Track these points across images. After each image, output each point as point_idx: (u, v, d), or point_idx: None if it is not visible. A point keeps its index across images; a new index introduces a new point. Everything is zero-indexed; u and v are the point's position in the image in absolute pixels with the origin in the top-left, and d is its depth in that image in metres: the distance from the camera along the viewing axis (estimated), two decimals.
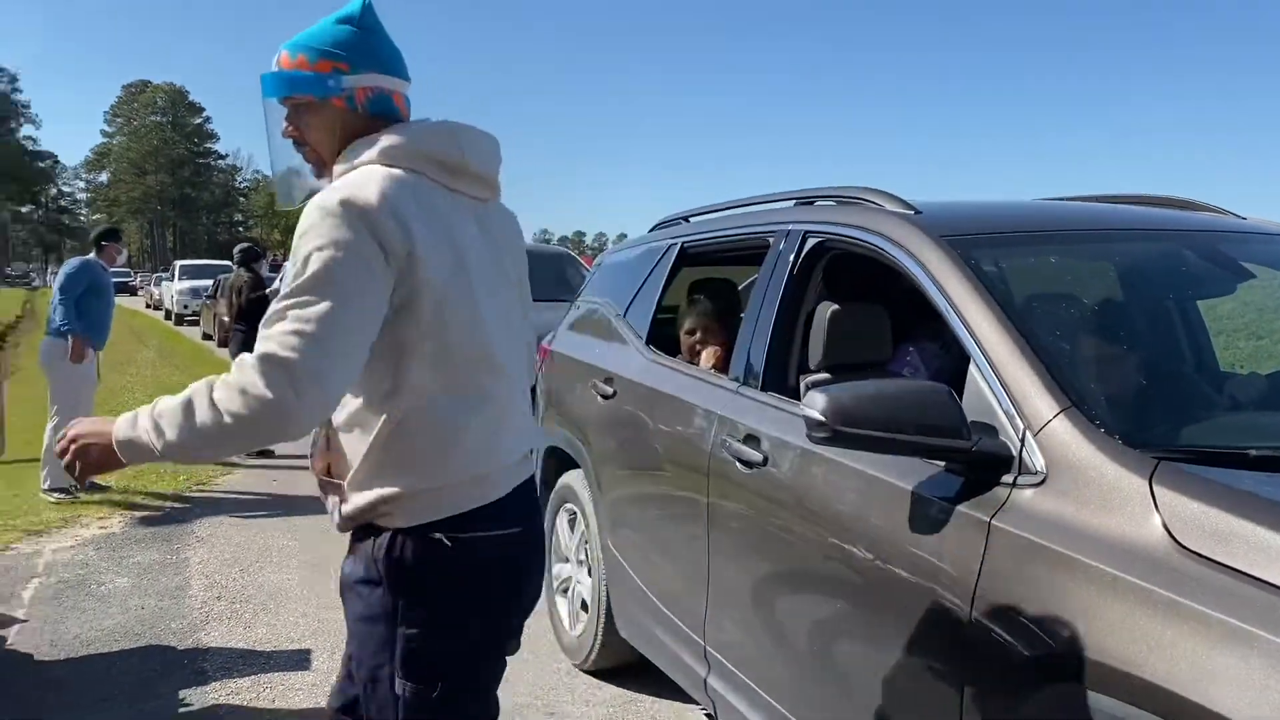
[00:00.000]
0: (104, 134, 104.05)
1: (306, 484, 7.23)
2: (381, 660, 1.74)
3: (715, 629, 2.79)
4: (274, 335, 1.52)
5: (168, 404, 1.57)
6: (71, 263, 6.86)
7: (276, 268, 19.74)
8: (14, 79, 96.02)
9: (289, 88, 1.75)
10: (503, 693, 2.02)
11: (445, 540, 1.70)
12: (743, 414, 2.73)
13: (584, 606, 3.86)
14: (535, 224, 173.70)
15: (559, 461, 4.17)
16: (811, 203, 3.01)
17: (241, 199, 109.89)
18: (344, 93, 1.73)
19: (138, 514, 6.27)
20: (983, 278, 2.18)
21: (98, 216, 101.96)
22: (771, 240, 2.98)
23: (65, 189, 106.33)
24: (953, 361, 2.55)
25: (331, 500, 1.80)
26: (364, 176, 1.64)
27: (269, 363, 1.51)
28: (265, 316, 1.57)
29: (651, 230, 4.18)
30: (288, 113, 1.78)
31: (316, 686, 3.69)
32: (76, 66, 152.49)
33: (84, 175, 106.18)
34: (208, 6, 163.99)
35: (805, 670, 2.37)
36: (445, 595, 1.73)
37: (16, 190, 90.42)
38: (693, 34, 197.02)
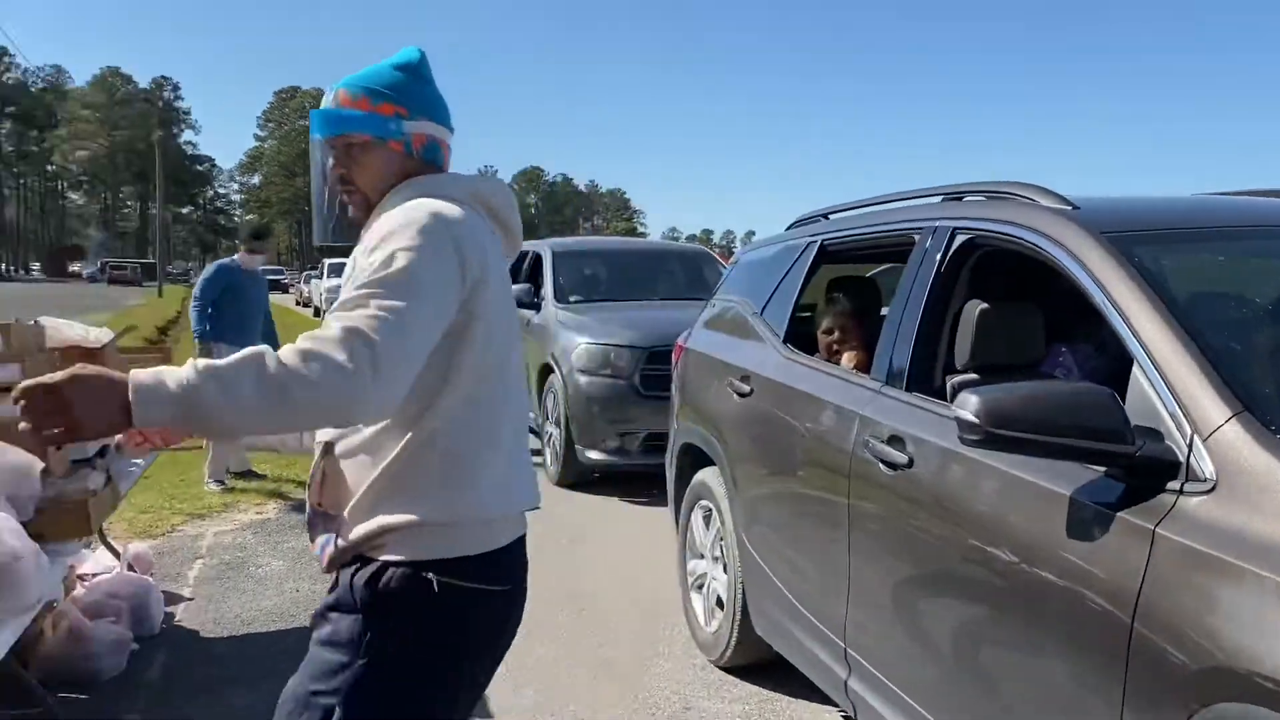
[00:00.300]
0: (257, 138, 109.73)
1: None
2: (326, 685, 1.62)
3: (856, 631, 2.76)
4: (357, 316, 1.45)
5: (214, 361, 1.40)
6: (208, 268, 6.99)
7: None
8: (176, 87, 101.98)
9: (348, 126, 1.74)
10: (637, 686, 2.04)
11: (434, 581, 1.62)
12: (886, 414, 2.69)
13: (719, 603, 3.87)
14: (663, 222, 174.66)
15: (693, 458, 4.19)
16: (960, 198, 2.95)
17: None
18: (403, 137, 1.75)
19: (289, 501, 6.57)
20: (1146, 276, 2.09)
21: (250, 217, 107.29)
22: (917, 237, 2.93)
23: (221, 190, 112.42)
24: (1108, 363, 2.46)
25: (323, 536, 1.71)
26: (442, 203, 1.65)
27: (355, 335, 1.42)
28: (341, 300, 1.51)
29: (789, 228, 4.15)
30: (336, 152, 1.77)
31: None
32: (233, 75, 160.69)
33: (238, 178, 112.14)
34: (355, 13, 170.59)
35: (950, 675, 2.33)
36: (418, 638, 1.63)
37: (177, 192, 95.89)
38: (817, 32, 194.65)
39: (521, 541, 1.78)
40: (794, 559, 3.19)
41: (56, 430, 1.37)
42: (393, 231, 1.57)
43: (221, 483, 6.79)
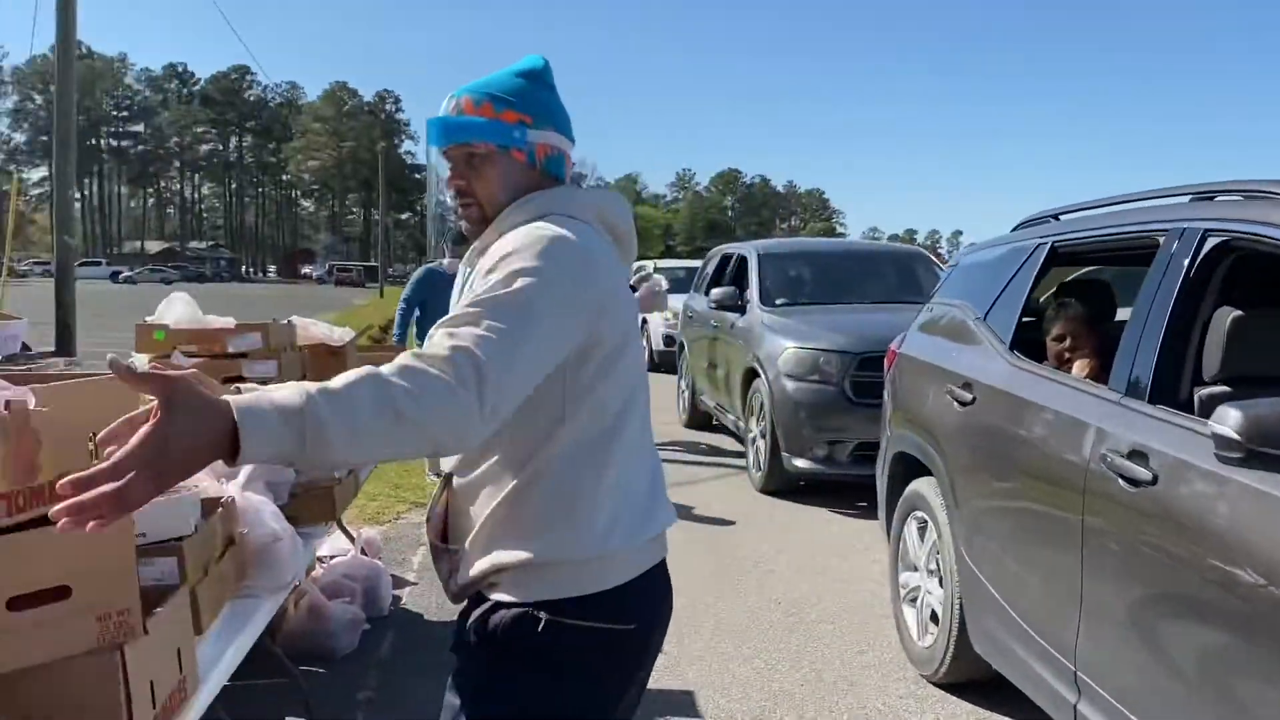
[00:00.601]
0: None
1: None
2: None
3: (1088, 653, 2.62)
4: (466, 334, 1.33)
5: (324, 384, 1.21)
6: (418, 270, 7.02)
7: None
8: (397, 100, 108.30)
9: (470, 134, 1.64)
10: (848, 698, 1.99)
11: (547, 621, 1.52)
12: (1127, 427, 2.53)
13: (933, 618, 3.76)
14: (863, 222, 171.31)
15: (907, 468, 4.09)
16: (1211, 198, 2.75)
17: None
18: (527, 147, 1.64)
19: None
20: None
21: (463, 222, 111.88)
22: (1162, 240, 2.75)
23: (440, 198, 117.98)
24: None
25: (445, 568, 1.65)
26: (567, 224, 1.55)
27: (462, 354, 1.30)
28: (450, 316, 1.40)
29: (1015, 229, 3.99)
30: (455, 162, 1.67)
31: (671, 662, 3.86)
32: (448, 87, 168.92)
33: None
34: (558, 26, 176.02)
35: (1193, 706, 2.17)
36: (532, 681, 1.54)
37: (397, 199, 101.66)
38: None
39: (653, 575, 1.62)
40: (1019, 575, 3.06)
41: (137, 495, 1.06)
42: (514, 251, 1.47)
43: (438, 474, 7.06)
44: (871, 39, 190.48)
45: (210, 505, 2.05)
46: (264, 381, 2.95)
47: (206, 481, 2.21)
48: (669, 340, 13.85)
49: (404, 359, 1.28)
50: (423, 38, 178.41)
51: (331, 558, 4.49)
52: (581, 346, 1.50)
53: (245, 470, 2.34)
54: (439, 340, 1.33)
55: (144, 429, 1.08)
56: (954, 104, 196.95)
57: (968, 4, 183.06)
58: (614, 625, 1.55)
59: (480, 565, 1.56)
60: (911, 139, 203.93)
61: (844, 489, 6.65)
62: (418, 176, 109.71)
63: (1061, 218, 3.64)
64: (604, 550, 1.54)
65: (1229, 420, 1.77)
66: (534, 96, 1.67)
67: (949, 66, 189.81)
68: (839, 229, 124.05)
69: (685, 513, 6.28)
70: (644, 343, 14.11)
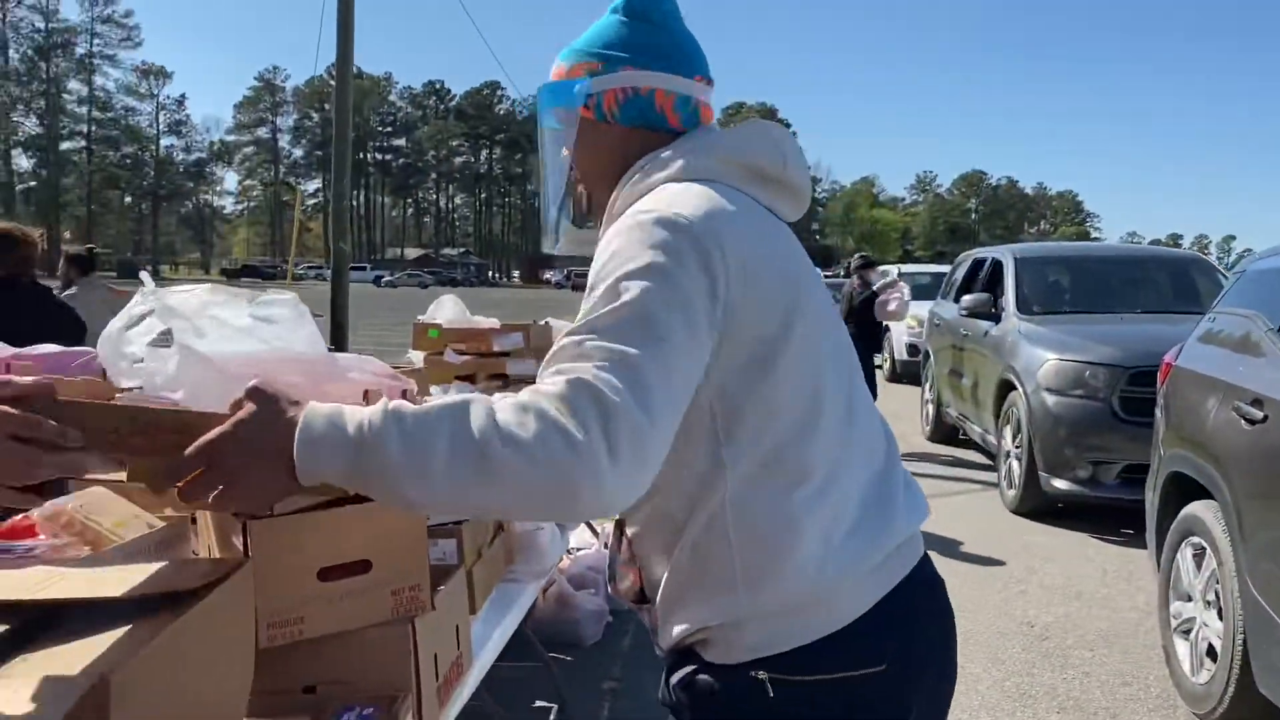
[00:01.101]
0: None
1: None
2: None
3: None
4: (584, 369, 1.03)
5: (405, 404, 1.01)
6: None
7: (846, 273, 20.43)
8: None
9: (546, 101, 1.40)
10: None
11: (769, 684, 1.22)
12: None
13: (1210, 652, 3.45)
14: (1120, 226, 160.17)
15: (1181, 489, 3.78)
16: None
17: (819, 208, 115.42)
18: (589, 98, 1.33)
19: None
20: None
21: None
22: None
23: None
24: None
25: (647, 622, 1.39)
26: (680, 193, 1.23)
27: (584, 392, 1.00)
28: (560, 345, 1.10)
29: None
30: (552, 137, 1.45)
31: None
32: None
33: None
34: (787, 28, 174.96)
35: None
36: None
37: None
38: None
39: (902, 596, 1.27)
40: None
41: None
42: (614, 253, 1.16)
43: None
44: (1124, 30, 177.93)
45: None
46: (527, 380, 3.11)
47: None
48: (913, 350, 13.47)
49: (521, 394, 1.02)
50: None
51: (578, 550, 4.65)
52: (726, 346, 1.17)
53: None
54: (548, 378, 1.04)
55: (217, 429, 0.98)
56: (1223, 101, 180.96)
57: None
58: (857, 671, 1.22)
59: (680, 627, 1.28)
60: (1174, 137, 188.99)
61: (1107, 514, 6.16)
62: None
63: None
64: (817, 585, 1.20)
65: None
66: (609, 35, 1.35)
67: (1208, 59, 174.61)
68: (1094, 234, 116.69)
69: (931, 529, 6.08)
70: (884, 347, 13.84)
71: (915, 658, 1.27)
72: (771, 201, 1.33)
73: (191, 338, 1.51)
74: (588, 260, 1.24)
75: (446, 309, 3.37)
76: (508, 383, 3.08)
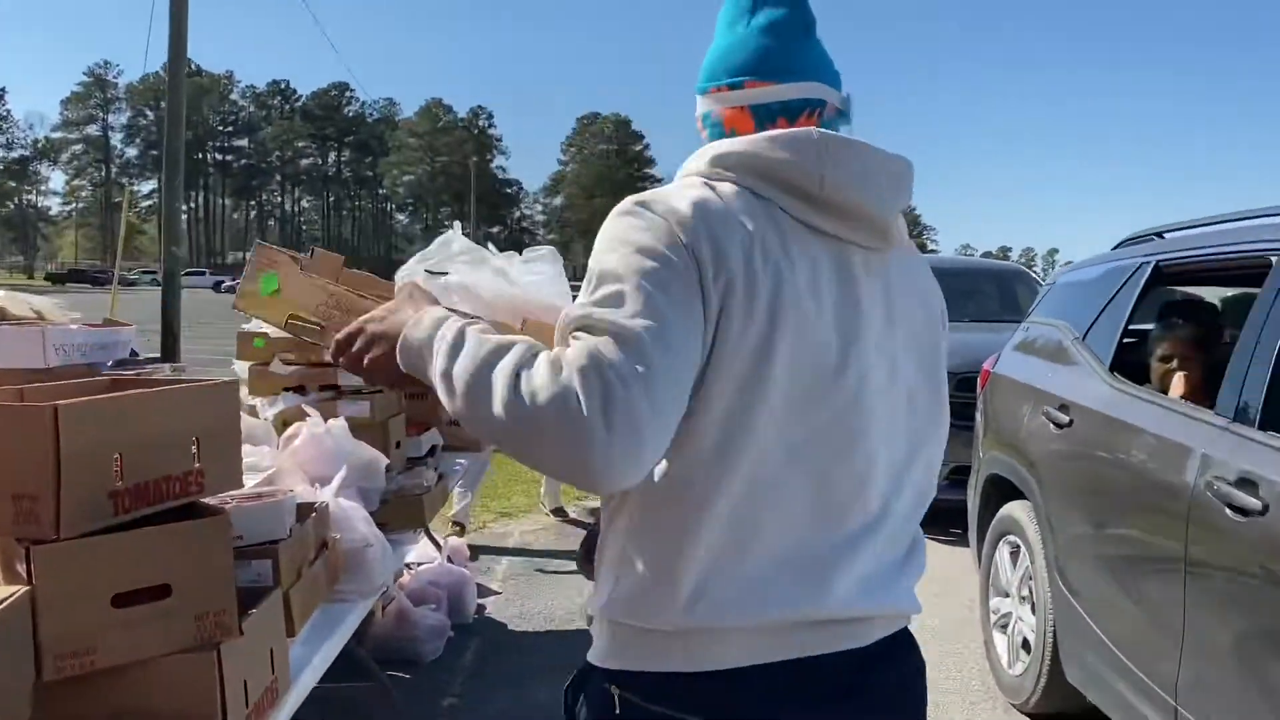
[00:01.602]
0: (560, 162, 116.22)
1: None
2: None
3: (1190, 689, 2.51)
4: (596, 343, 1.05)
5: (480, 337, 1.11)
6: None
7: None
8: (490, 115, 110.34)
9: None
10: None
11: (617, 700, 1.20)
12: (1235, 454, 2.43)
13: (1025, 645, 3.65)
14: (956, 239, 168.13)
15: (1000, 491, 3.99)
16: None
17: None
18: (699, 122, 1.35)
19: (589, 503, 6.87)
20: None
21: (552, 236, 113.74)
22: (1275, 259, 2.64)
23: (526, 211, 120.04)
24: None
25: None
26: (679, 184, 1.22)
27: (596, 368, 1.03)
28: (569, 321, 1.12)
29: (1116, 248, 3.87)
30: None
31: None
32: (538, 102, 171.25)
33: (541, 200, 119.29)
34: (649, 43, 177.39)
35: None
36: None
37: (489, 213, 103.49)
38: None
39: (811, 672, 1.18)
40: (1117, 605, 2.95)
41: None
42: (601, 245, 1.16)
43: (560, 512, 6.63)
44: (956, 42, 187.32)
45: (305, 510, 2.10)
46: (359, 392, 3.03)
47: (301, 488, 2.27)
48: None
49: (552, 354, 1.07)
50: (515, 53, 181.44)
51: (419, 565, 4.57)
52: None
53: (339, 477, 2.39)
54: (569, 348, 1.07)
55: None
56: (1053, 117, 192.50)
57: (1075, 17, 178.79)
58: (683, 715, 1.16)
59: (597, 599, 1.24)
60: (1006, 154, 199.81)
61: (937, 515, 6.35)
62: (508, 191, 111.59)
63: (1166, 236, 3.52)
64: (685, 620, 1.14)
65: None
66: (708, 55, 1.34)
67: (1042, 74, 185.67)
68: (930, 246, 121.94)
69: None
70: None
71: None
72: (818, 221, 1.20)
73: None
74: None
75: None
76: (339, 393, 2.98)
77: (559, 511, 6.65)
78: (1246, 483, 2.33)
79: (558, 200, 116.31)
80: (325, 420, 2.55)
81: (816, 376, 1.17)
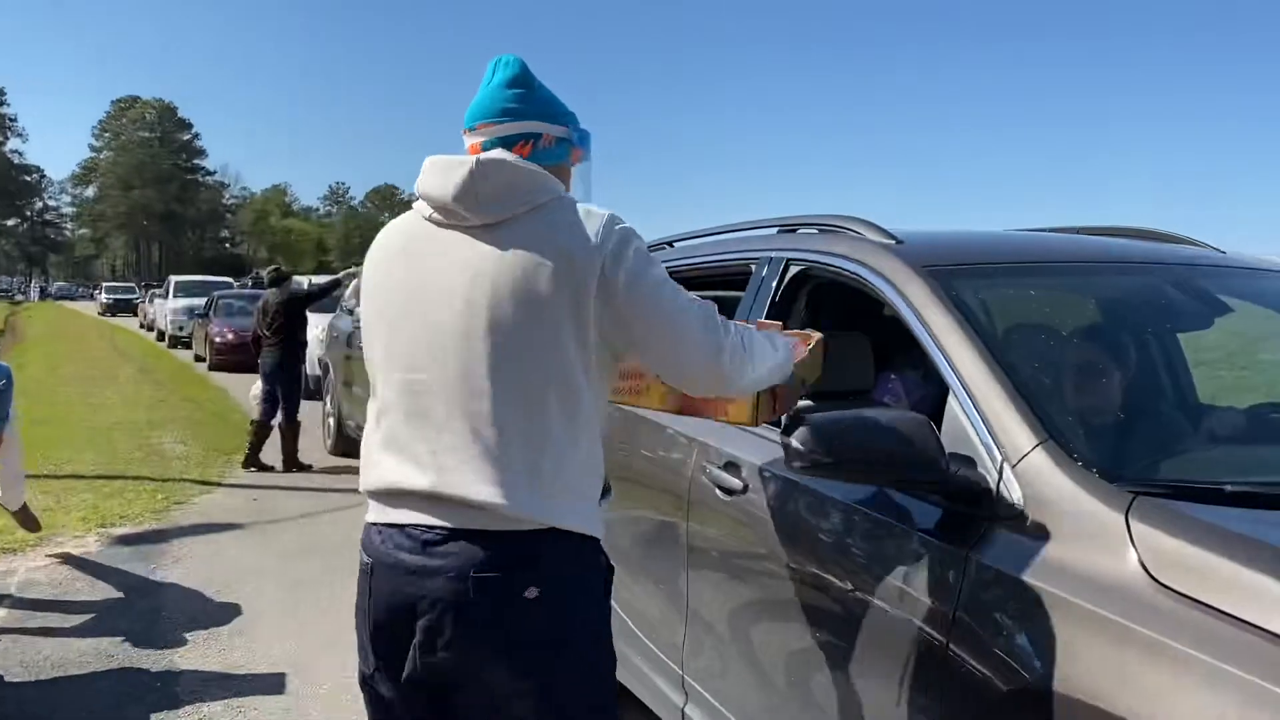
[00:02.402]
0: (92, 149, 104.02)
1: (288, 503, 7.19)
2: None
3: (693, 658, 2.77)
4: None
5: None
6: None
7: (259, 284, 19.58)
8: (2, 92, 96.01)
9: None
10: None
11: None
12: (723, 440, 2.72)
13: None
14: None
15: None
16: (794, 230, 3.02)
17: (229, 215, 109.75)
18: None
19: (114, 532, 6.20)
20: (963, 309, 2.18)
21: (83, 230, 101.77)
22: (754, 267, 2.98)
23: (51, 203, 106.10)
24: (934, 391, 2.55)
25: None
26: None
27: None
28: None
29: None
30: None
31: (290, 711, 3.65)
32: (65, 81, 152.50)
33: (70, 190, 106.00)
34: (198, 24, 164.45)
35: (782, 701, 2.36)
36: None
37: (1, 204, 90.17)
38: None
39: (391, 530, 1.74)
40: (634, 585, 3.18)
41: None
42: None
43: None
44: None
45: None
46: None
47: None
48: (327, 368, 13.27)
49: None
50: (29, 25, 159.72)
51: None
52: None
53: None
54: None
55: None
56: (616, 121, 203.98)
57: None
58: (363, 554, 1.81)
59: None
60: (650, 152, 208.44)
61: None
62: (26, 179, 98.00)
63: (675, 245, 3.86)
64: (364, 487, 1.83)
65: (796, 433, 1.93)
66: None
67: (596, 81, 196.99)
68: None
69: (328, 543, 6.02)
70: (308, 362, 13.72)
71: (381, 570, 1.74)
72: (446, 216, 1.79)
73: None
74: None
75: None
76: None
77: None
78: (732, 465, 2.61)
79: (89, 191, 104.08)
80: None
81: (379, 322, 1.90)
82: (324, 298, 8.87)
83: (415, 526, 1.70)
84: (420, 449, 1.71)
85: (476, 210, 1.72)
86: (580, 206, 1.77)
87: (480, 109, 1.85)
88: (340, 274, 9.24)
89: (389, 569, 1.72)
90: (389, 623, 1.73)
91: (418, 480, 1.70)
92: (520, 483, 1.67)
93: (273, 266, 9.24)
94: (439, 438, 1.70)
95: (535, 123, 1.84)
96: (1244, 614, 1.42)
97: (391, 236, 1.85)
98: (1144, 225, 3.21)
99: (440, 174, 1.75)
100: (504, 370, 1.68)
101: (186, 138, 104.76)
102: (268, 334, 8.52)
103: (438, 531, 1.68)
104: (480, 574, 1.65)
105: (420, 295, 1.73)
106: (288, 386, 8.50)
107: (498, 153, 1.78)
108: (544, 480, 1.69)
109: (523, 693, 1.68)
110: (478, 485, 1.66)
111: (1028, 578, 1.69)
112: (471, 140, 1.85)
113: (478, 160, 1.73)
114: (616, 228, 1.73)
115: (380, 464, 1.76)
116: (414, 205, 1.83)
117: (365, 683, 1.82)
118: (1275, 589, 1.42)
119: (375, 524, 1.77)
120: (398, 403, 1.75)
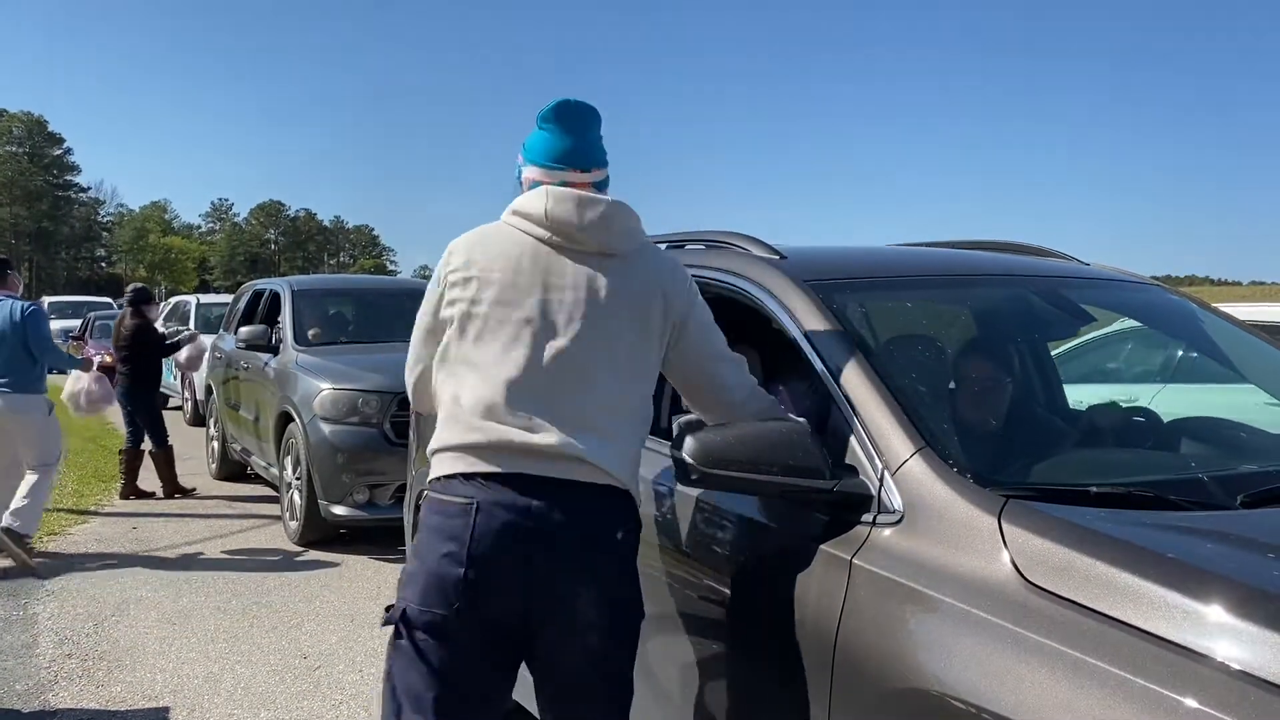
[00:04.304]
0: None
1: (169, 530, 6.93)
2: None
3: None
4: None
5: None
6: None
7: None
8: None
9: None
10: None
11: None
12: None
13: None
14: (415, 260, 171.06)
15: None
16: (681, 246, 3.06)
17: (105, 233, 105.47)
18: (519, 179, 2.23)
19: None
20: (844, 321, 2.24)
21: None
22: None
23: None
24: (820, 402, 2.61)
25: None
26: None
27: None
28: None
29: None
30: None
31: None
32: None
33: None
34: (70, 36, 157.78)
35: (676, 712, 2.37)
36: None
37: None
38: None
39: (508, 478, 1.99)
40: None
41: None
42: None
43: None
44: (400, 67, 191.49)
45: None
46: None
47: None
48: (210, 390, 12.84)
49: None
50: None
51: None
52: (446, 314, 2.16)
53: None
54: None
55: None
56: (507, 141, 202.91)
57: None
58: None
59: None
60: (461, 179, 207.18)
61: (387, 534, 6.47)
62: None
63: None
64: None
65: (684, 447, 1.96)
66: (529, 139, 2.23)
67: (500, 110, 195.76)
68: (390, 267, 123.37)
69: (211, 572, 5.81)
70: (187, 396, 13.18)
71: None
72: (560, 240, 2.11)
73: None
74: None
75: None
76: None
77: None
78: None
79: None
80: None
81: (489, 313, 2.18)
82: (166, 355, 8.43)
83: (532, 478, 1.98)
84: (541, 419, 2.00)
85: (604, 242, 2.09)
86: (666, 253, 2.30)
87: (588, 156, 2.20)
88: (180, 335, 8.97)
89: (504, 508, 1.96)
90: (493, 558, 1.95)
91: (545, 439, 1.98)
92: (615, 451, 2.03)
93: (134, 285, 8.82)
94: (561, 410, 2.01)
95: (608, 170, 2.25)
96: (1109, 610, 1.49)
97: (506, 246, 2.10)
98: (1018, 240, 3.35)
99: (573, 206, 2.08)
100: (611, 367, 2.05)
101: (57, 153, 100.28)
102: (119, 362, 8.13)
103: (552, 484, 1.98)
104: (585, 516, 1.98)
105: (550, 299, 2.05)
106: (145, 414, 8.15)
107: (616, 199, 2.15)
108: (628, 454, 2.07)
109: (599, 621, 1.98)
110: (596, 450, 1.99)
111: (908, 581, 1.74)
112: (581, 179, 2.17)
113: (612, 202, 2.12)
114: (690, 279, 2.21)
115: (486, 427, 2.00)
116: (508, 220, 2.14)
117: (430, 626, 1.96)
118: (1137, 586, 1.50)
119: (476, 474, 1.99)
120: (519, 379, 2.01)
